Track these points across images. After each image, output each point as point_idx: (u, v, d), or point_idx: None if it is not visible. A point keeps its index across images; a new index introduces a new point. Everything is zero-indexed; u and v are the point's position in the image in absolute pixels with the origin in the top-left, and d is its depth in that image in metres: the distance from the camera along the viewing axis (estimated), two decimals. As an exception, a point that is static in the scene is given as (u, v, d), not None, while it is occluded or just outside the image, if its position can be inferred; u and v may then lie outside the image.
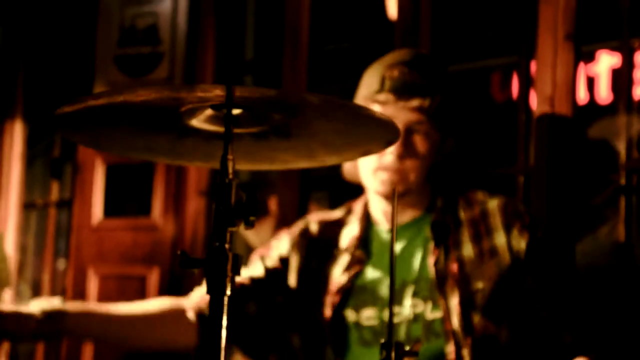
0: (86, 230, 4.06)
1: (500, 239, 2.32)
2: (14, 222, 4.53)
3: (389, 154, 2.31)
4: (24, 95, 4.52)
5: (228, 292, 1.51)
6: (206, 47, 3.82)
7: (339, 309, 2.38)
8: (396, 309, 2.34)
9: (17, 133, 4.51)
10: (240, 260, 1.53)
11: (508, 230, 2.33)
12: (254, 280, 2.46)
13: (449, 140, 2.44)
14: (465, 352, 2.26)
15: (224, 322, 1.50)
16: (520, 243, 2.31)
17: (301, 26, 3.50)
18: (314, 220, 2.55)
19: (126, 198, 4.04)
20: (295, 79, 3.48)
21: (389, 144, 1.61)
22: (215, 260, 1.51)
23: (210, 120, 1.59)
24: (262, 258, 2.50)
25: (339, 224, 2.51)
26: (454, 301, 2.28)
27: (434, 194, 2.44)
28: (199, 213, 3.78)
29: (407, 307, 2.33)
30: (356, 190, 2.53)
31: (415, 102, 2.31)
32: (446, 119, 2.38)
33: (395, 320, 2.33)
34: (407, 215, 2.42)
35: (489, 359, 2.27)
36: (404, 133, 2.31)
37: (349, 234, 2.47)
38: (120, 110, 1.49)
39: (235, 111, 1.54)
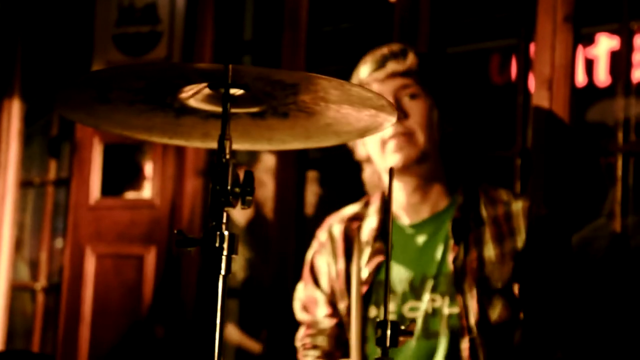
0: (83, 209, 4.06)
1: (522, 241, 2.33)
2: (11, 201, 4.53)
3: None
4: (21, 73, 4.51)
5: (223, 271, 1.51)
6: (205, 26, 3.80)
7: (364, 304, 2.38)
8: (415, 303, 2.36)
9: (14, 111, 4.51)
10: (237, 240, 1.53)
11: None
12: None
13: (453, 109, 2.44)
14: (480, 350, 2.27)
15: (220, 301, 1.50)
16: (541, 248, 2.33)
17: (300, 7, 3.49)
18: (335, 222, 2.54)
19: (126, 178, 4.04)
20: (294, 60, 3.47)
21: (386, 124, 1.61)
22: (212, 239, 1.51)
23: (208, 99, 1.59)
24: (323, 295, 2.51)
25: (359, 218, 2.51)
26: (472, 299, 2.29)
27: (454, 186, 2.43)
28: (196, 192, 3.78)
29: (426, 301, 2.34)
30: (347, 170, 2.53)
31: (390, 67, 2.36)
32: (432, 81, 2.39)
33: (414, 314, 2.35)
34: (427, 210, 2.42)
35: (502, 359, 2.29)
36: (393, 99, 2.35)
37: (368, 227, 2.47)
38: (118, 89, 1.49)
39: (237, 91, 1.54)
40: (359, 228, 2.48)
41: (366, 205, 2.52)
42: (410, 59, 2.38)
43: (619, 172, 2.83)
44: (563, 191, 2.85)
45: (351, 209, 2.55)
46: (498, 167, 3.10)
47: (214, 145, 1.52)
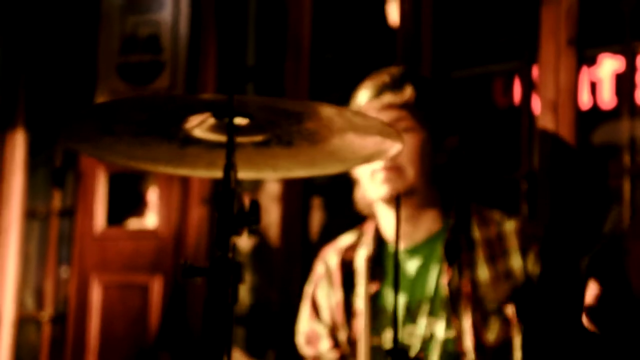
0: (89, 239, 4.05)
1: (516, 261, 2.31)
2: (16, 231, 4.52)
3: None
4: (25, 104, 4.51)
5: (230, 300, 1.50)
6: (207, 55, 3.81)
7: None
8: (411, 328, 2.35)
9: (18, 142, 4.51)
10: (243, 269, 1.52)
11: (524, 254, 2.31)
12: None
13: (449, 139, 2.42)
14: None
15: (228, 331, 1.49)
16: (536, 268, 2.30)
17: (303, 33, 3.49)
18: (331, 253, 2.54)
19: (129, 206, 4.03)
20: (297, 87, 3.47)
21: (392, 149, 1.60)
22: (218, 269, 1.50)
23: (212, 129, 1.58)
24: (325, 328, 2.50)
25: (353, 248, 2.51)
26: (467, 322, 2.27)
27: (447, 210, 2.42)
28: (201, 221, 3.77)
29: (422, 326, 2.33)
30: (352, 195, 2.52)
31: (387, 98, 2.34)
32: (430, 112, 2.37)
33: (411, 339, 2.34)
34: (421, 234, 2.41)
35: None
36: None
37: (363, 256, 2.46)
38: (122, 120, 1.48)
39: (241, 120, 1.54)
40: (353, 258, 2.48)
41: (360, 235, 2.52)
42: (408, 92, 2.35)
43: (627, 193, 2.81)
44: (570, 214, 2.84)
45: (346, 240, 2.55)
46: (504, 191, 3.09)
47: (219, 174, 1.51)
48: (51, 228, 4.50)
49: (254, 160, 1.69)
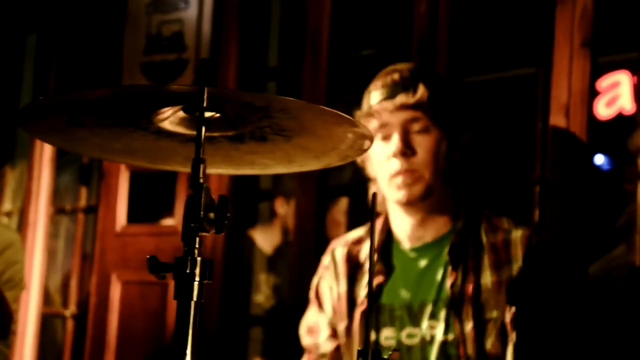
0: (110, 236, 4.08)
1: (518, 269, 2.28)
2: (43, 227, 4.57)
3: (392, 159, 2.30)
4: (54, 101, 4.56)
5: (195, 297, 1.49)
6: (229, 53, 3.82)
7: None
8: (413, 330, 2.33)
9: (47, 139, 4.55)
10: (210, 266, 1.51)
11: None
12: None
13: (463, 135, 2.39)
14: None
15: (191, 329, 1.48)
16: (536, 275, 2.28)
17: (321, 34, 3.49)
18: (338, 245, 2.54)
19: (149, 204, 4.05)
20: (315, 86, 3.47)
21: (364, 149, 1.58)
22: (183, 265, 1.49)
23: (185, 122, 1.58)
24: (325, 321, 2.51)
25: (361, 241, 2.50)
26: (469, 326, 2.25)
27: (458, 212, 2.39)
28: (218, 219, 3.77)
29: (424, 328, 2.31)
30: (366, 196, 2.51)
31: (400, 99, 2.31)
32: (443, 110, 2.34)
33: (412, 341, 2.32)
34: (430, 234, 2.39)
35: None
36: (402, 133, 2.31)
37: (369, 248, 2.44)
38: (88, 112, 1.48)
39: (210, 114, 1.52)
40: (360, 251, 2.46)
41: (369, 228, 2.50)
42: (421, 91, 2.31)
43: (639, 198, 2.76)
44: (581, 218, 2.79)
45: (355, 233, 2.54)
46: (517, 195, 3.05)
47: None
48: (77, 225, 4.54)
49: (231, 156, 1.67)
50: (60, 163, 4.72)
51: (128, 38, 4.14)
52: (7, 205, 5.04)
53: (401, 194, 2.32)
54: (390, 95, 2.33)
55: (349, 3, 3.60)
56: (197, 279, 1.49)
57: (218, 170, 1.75)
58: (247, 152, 1.65)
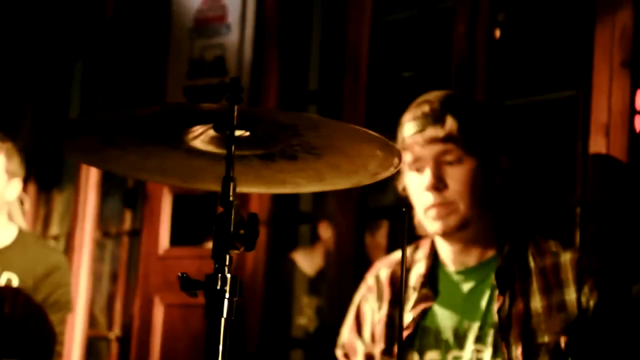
0: (153, 259, 4.11)
1: (570, 294, 2.24)
2: (88, 251, 4.62)
3: (426, 192, 2.29)
4: (99, 126, 4.62)
5: (225, 314, 1.50)
6: (270, 77, 3.85)
7: (405, 350, 2.34)
8: (458, 353, 2.31)
9: (92, 163, 4.62)
10: (240, 283, 1.53)
11: (579, 287, 2.24)
12: None
13: (502, 160, 2.38)
14: None
15: (221, 346, 1.50)
16: (590, 301, 2.24)
17: (361, 56, 3.51)
18: (383, 266, 2.52)
19: (192, 227, 4.08)
20: (355, 110, 3.48)
21: (394, 166, 1.59)
22: (214, 282, 1.51)
23: (216, 141, 1.60)
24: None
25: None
26: (517, 351, 2.21)
27: (502, 237, 2.38)
28: (260, 241, 3.78)
29: (470, 351, 2.29)
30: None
31: (429, 132, 2.29)
32: (478, 138, 2.32)
33: None
34: (473, 258, 2.37)
35: None
36: (433, 167, 2.29)
37: (416, 272, 2.43)
38: (121, 132, 1.51)
39: (241, 133, 1.54)
40: (407, 273, 2.44)
41: (415, 250, 2.49)
42: (449, 124, 2.28)
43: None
44: (622, 240, 2.76)
45: (400, 254, 2.51)
46: (558, 216, 3.03)
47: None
48: (122, 248, 4.59)
49: (263, 175, 1.69)
50: (106, 187, 4.78)
51: (172, 63, 4.19)
52: (55, 229, 5.11)
53: (437, 226, 2.32)
54: (421, 128, 2.30)
55: (388, 26, 3.62)
56: (227, 295, 1.51)
57: (250, 189, 1.77)
58: (278, 170, 1.66)
